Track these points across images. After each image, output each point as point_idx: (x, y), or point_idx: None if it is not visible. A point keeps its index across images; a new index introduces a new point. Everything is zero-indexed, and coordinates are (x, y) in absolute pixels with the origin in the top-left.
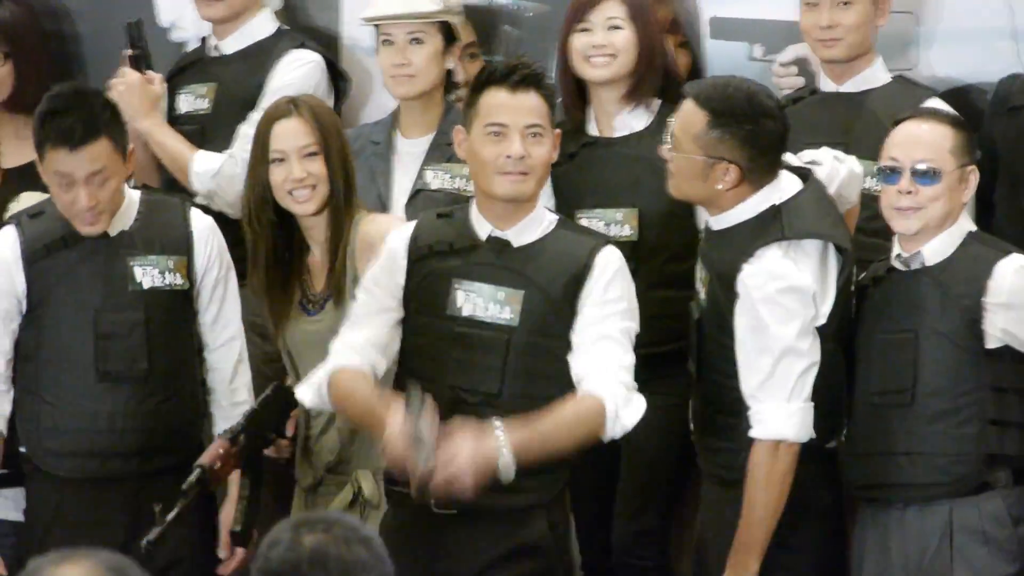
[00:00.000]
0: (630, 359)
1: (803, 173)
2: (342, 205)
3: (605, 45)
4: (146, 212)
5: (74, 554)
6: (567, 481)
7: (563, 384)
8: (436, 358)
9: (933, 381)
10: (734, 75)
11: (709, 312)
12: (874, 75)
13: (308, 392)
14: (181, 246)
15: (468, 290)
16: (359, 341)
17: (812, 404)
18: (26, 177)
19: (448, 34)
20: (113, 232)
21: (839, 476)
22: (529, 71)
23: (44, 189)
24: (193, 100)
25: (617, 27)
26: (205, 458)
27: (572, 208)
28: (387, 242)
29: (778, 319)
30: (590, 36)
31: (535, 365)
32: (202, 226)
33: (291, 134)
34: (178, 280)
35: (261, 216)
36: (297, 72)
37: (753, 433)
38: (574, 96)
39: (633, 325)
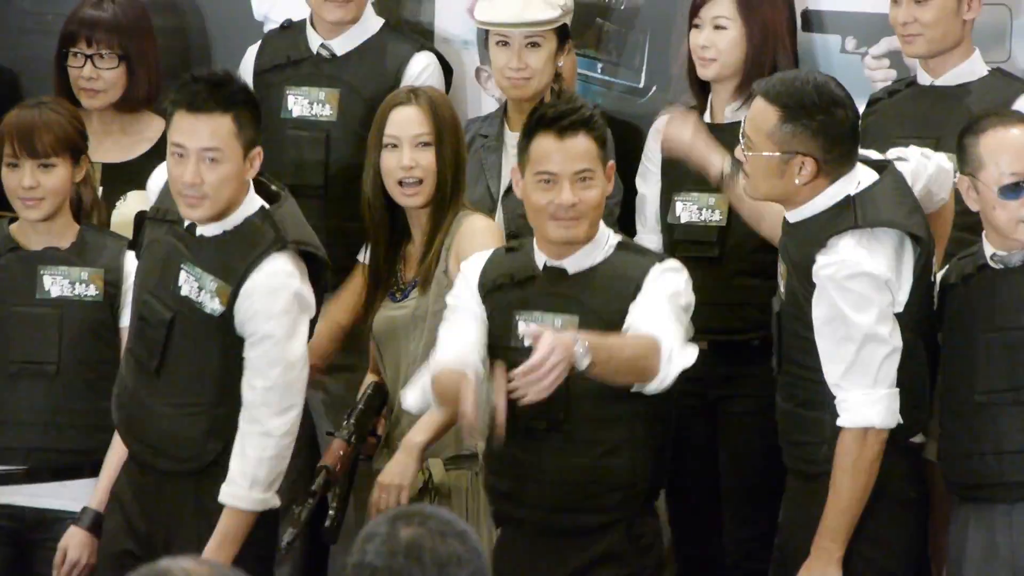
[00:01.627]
0: (682, 330)
1: (881, 166)
2: (448, 199)
3: (707, 47)
4: None
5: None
6: (648, 496)
7: (630, 402)
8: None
9: None
10: (802, 69)
11: (788, 305)
12: (971, 68)
13: (413, 395)
14: None
15: (528, 320)
16: (458, 344)
17: (897, 391)
18: (130, 175)
19: (562, 33)
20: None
21: (925, 472)
22: (576, 116)
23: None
24: (310, 105)
25: (722, 27)
26: (328, 459)
27: (671, 191)
28: (462, 271)
29: (855, 306)
30: (699, 33)
31: (599, 388)
32: None
33: (407, 122)
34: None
35: (375, 202)
36: (427, 81)
37: (840, 422)
38: (696, 86)
39: (685, 317)
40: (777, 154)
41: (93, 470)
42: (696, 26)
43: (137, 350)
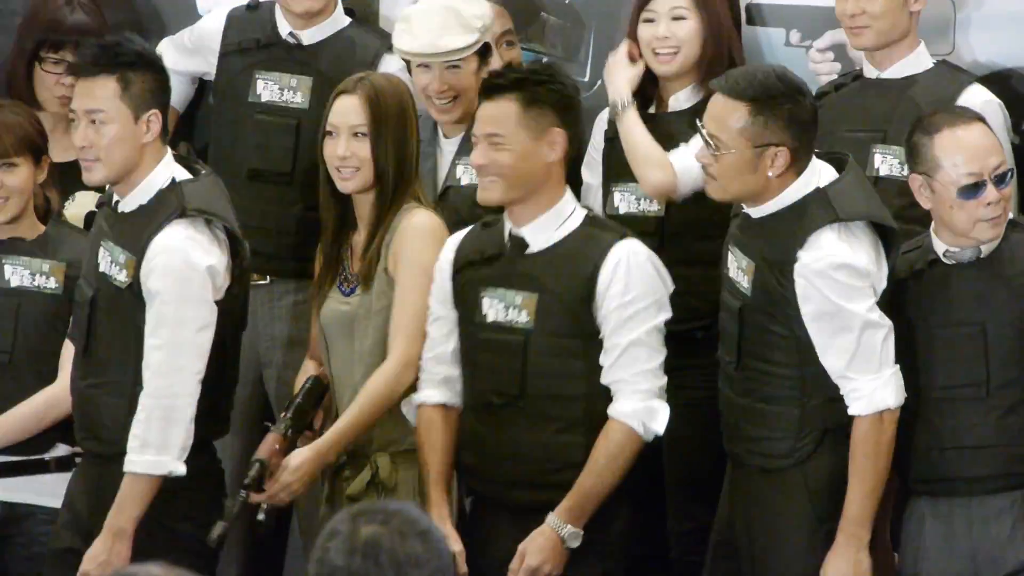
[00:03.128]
0: (657, 359)
1: (836, 158)
2: (389, 191)
3: (668, 37)
4: None
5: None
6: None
7: (588, 381)
8: (470, 363)
9: (1005, 373)
10: (750, 63)
11: (756, 300)
12: (916, 61)
13: (410, 412)
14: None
15: (492, 296)
16: (446, 357)
17: (898, 366)
18: (78, 174)
19: (484, 51)
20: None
21: None
22: (496, 80)
23: (99, 189)
24: (281, 91)
25: (681, 17)
26: (263, 452)
27: (609, 181)
28: (441, 254)
29: (847, 297)
30: (654, 27)
31: (556, 365)
32: None
33: (345, 111)
34: None
35: (325, 188)
36: None
37: (854, 410)
38: (647, 81)
39: (660, 319)
40: (750, 149)
41: (59, 465)
42: (649, 20)
43: (73, 333)
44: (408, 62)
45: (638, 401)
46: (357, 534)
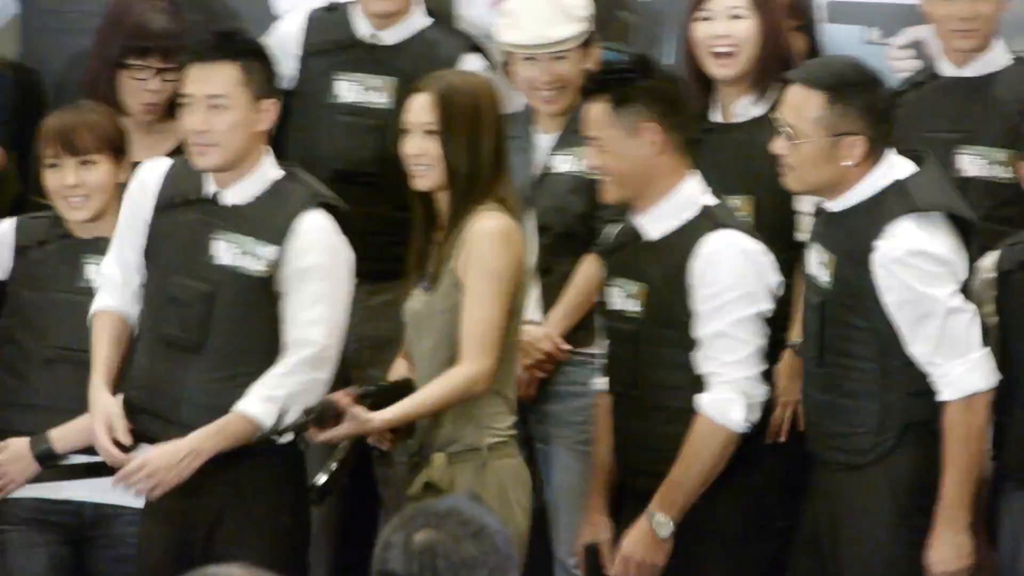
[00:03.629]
0: (744, 350)
1: (916, 154)
2: (465, 191)
3: (727, 35)
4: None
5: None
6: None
7: (688, 371)
8: (608, 352)
9: None
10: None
11: (837, 293)
12: (995, 58)
13: None
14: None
15: (615, 285)
16: None
17: (988, 348)
18: None
19: (587, 40)
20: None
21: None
22: (588, 83)
23: None
24: (364, 91)
25: (738, 16)
26: (334, 398)
27: None
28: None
29: (928, 283)
30: (711, 25)
31: (660, 355)
32: None
33: (416, 109)
34: None
35: (410, 186)
36: None
37: (944, 396)
38: (698, 82)
39: (750, 310)
40: (827, 138)
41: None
42: (705, 18)
43: (167, 331)
44: (508, 57)
45: (717, 392)
46: (411, 542)
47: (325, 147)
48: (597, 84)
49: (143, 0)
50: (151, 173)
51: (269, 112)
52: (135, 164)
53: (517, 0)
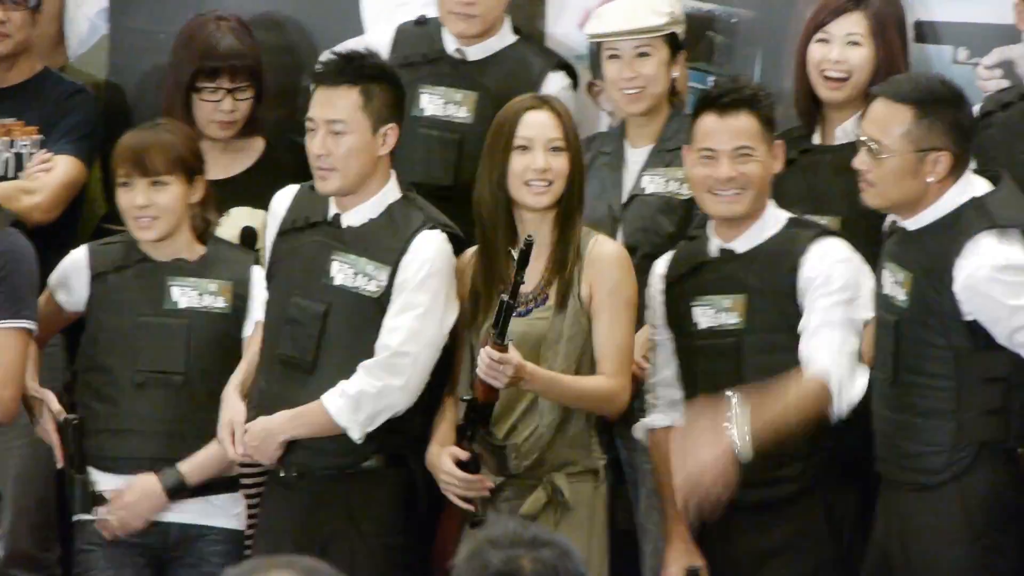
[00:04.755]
0: (853, 344)
1: (992, 174)
2: (575, 208)
3: (841, 61)
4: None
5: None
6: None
7: None
8: (689, 375)
9: None
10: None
11: (913, 312)
12: None
13: (642, 434)
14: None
15: (701, 304)
16: (670, 380)
17: None
18: (232, 191)
19: (674, 43)
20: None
21: None
22: (738, 95)
23: (253, 203)
24: (445, 105)
25: (856, 43)
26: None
27: None
28: (650, 281)
29: (1012, 294)
30: (827, 48)
31: (768, 361)
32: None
33: (541, 125)
34: None
35: (496, 203)
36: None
37: None
38: (808, 102)
39: (858, 314)
40: (913, 153)
41: (227, 486)
42: (823, 40)
43: (287, 351)
44: (596, 56)
45: (837, 363)
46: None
47: (403, 158)
48: (744, 98)
49: (212, 21)
50: (280, 202)
51: (389, 137)
52: (212, 183)
53: (606, 5)
